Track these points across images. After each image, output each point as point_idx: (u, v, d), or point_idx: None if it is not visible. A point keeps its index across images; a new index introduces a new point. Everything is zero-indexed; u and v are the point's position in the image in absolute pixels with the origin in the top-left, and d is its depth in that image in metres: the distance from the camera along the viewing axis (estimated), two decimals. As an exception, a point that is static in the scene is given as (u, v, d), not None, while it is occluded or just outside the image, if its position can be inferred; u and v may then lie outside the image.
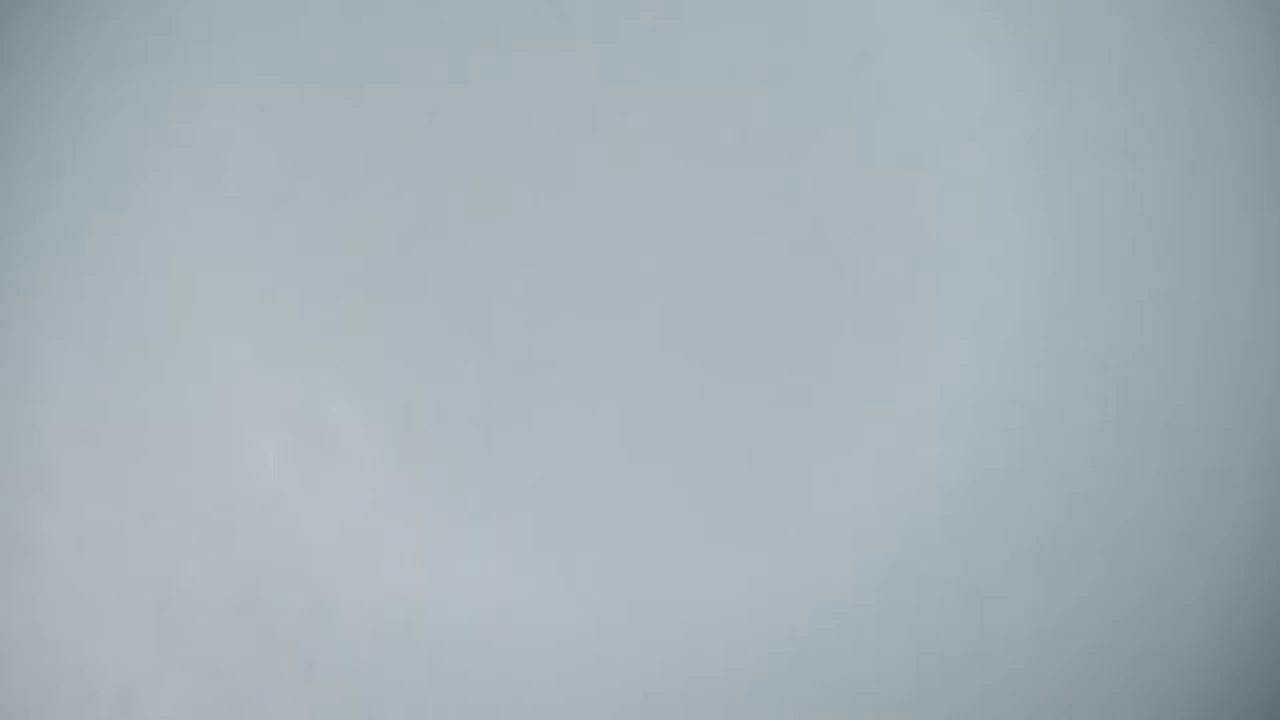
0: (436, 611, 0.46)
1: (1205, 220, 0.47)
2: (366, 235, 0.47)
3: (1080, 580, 0.46)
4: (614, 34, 0.48)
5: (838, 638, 0.46)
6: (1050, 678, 0.46)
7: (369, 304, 0.47)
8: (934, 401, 0.47)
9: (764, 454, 0.47)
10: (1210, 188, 0.47)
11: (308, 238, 0.47)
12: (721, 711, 0.46)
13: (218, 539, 0.46)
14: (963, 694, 0.46)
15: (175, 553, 0.46)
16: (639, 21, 0.48)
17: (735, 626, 0.46)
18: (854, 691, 0.46)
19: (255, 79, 0.47)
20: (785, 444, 0.47)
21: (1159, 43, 0.47)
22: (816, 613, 0.46)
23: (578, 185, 0.47)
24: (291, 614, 0.46)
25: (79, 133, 0.47)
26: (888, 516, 0.47)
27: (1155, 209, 0.47)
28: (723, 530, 0.47)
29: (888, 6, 0.48)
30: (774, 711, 0.46)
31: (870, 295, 0.47)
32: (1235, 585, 0.46)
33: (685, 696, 0.46)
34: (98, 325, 0.46)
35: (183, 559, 0.46)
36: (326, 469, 0.47)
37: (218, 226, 0.47)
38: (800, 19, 0.48)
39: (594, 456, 0.47)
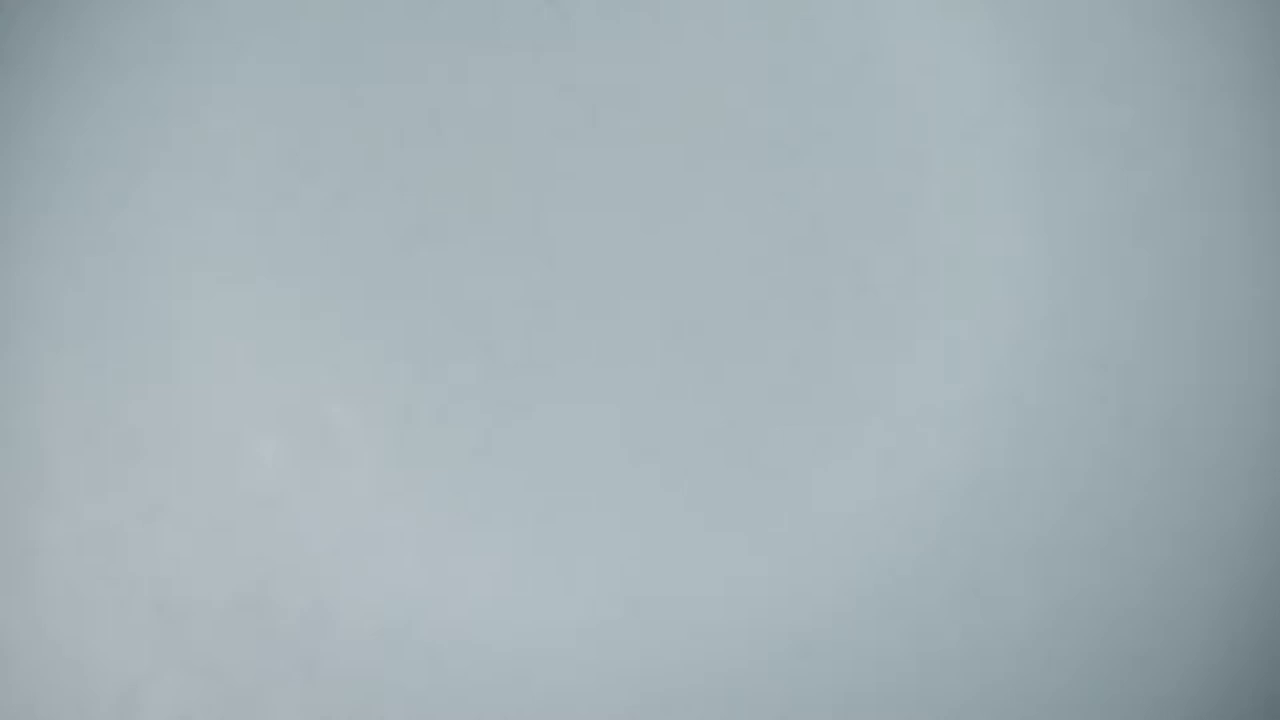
0: (436, 611, 0.46)
1: (1205, 220, 0.47)
2: (366, 235, 0.47)
3: (1080, 580, 0.46)
4: (614, 34, 0.48)
5: (838, 638, 0.46)
6: (1050, 678, 0.46)
7: (369, 304, 0.47)
8: (934, 401, 0.47)
9: (763, 454, 0.47)
10: (1210, 188, 0.47)
11: (308, 238, 0.47)
12: (721, 711, 0.46)
13: (218, 539, 0.46)
14: (963, 694, 0.46)
15: (175, 553, 0.46)
16: (639, 21, 0.48)
17: (735, 626, 0.46)
18: (854, 691, 0.46)
19: (255, 79, 0.47)
20: (785, 444, 0.47)
21: (1159, 43, 0.47)
22: (816, 613, 0.46)
23: (578, 185, 0.47)
24: (291, 614, 0.46)
25: (79, 133, 0.47)
26: (888, 516, 0.47)
27: (1155, 209, 0.47)
28: (722, 530, 0.47)
29: (888, 6, 0.48)
30: (774, 711, 0.46)
31: (870, 295, 0.47)
32: (1235, 585, 0.46)
33: (685, 696, 0.46)
34: (98, 325, 0.47)
35: (183, 559, 0.46)
36: (326, 469, 0.47)
37: (218, 226, 0.47)
38: (800, 18, 0.48)
39: (594, 456, 0.47)
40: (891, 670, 0.46)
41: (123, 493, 0.46)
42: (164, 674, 0.46)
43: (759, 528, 0.47)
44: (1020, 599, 0.46)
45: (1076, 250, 0.47)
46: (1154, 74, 0.47)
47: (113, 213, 0.47)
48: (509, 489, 0.47)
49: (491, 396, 0.47)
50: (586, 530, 0.47)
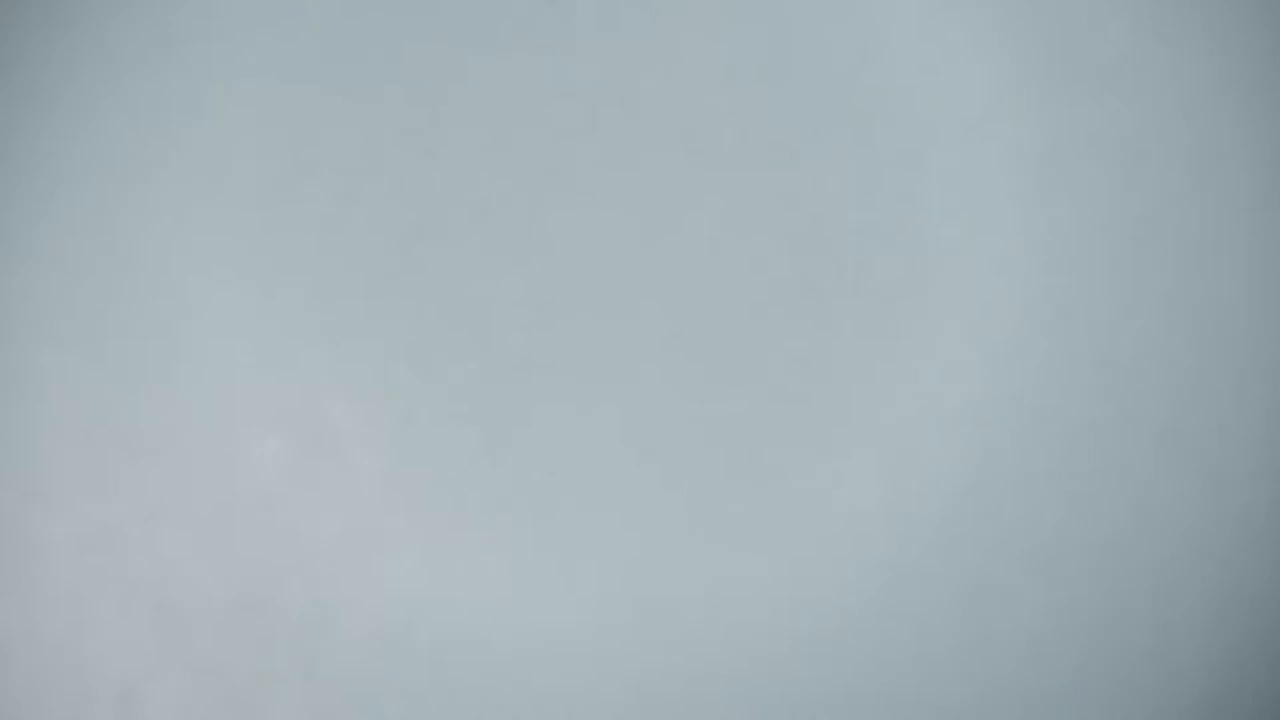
0: (436, 611, 0.46)
1: (1205, 220, 0.47)
2: (366, 235, 0.47)
3: (1080, 580, 0.46)
4: (614, 34, 0.48)
5: (838, 638, 0.46)
6: (1050, 678, 0.46)
7: (369, 304, 0.47)
8: (934, 401, 0.47)
9: (764, 454, 0.47)
10: (1210, 188, 0.47)
11: (308, 238, 0.47)
12: (721, 712, 0.46)
13: (218, 539, 0.46)
14: (963, 694, 0.46)
15: (175, 553, 0.46)
16: (639, 21, 0.48)
17: (735, 627, 0.46)
18: (854, 691, 0.46)
19: (255, 79, 0.47)
20: (785, 444, 0.47)
21: (1159, 43, 0.47)
22: (816, 613, 0.46)
23: (578, 185, 0.47)
24: (291, 614, 0.46)
25: (79, 133, 0.47)
26: (888, 516, 0.47)
27: (1155, 209, 0.47)
28: (723, 530, 0.47)
29: (888, 6, 0.48)
30: (774, 711, 0.46)
31: (870, 295, 0.47)
32: (1235, 585, 0.46)
33: (685, 697, 0.46)
34: (98, 325, 0.47)
35: (183, 559, 0.46)
36: (326, 469, 0.47)
37: (218, 226, 0.47)
38: (800, 19, 0.48)
39: (594, 457, 0.47)
40: (892, 670, 0.46)
41: (123, 493, 0.46)
42: (164, 674, 0.46)
43: (759, 528, 0.47)
44: (1020, 599, 0.46)
45: (1076, 250, 0.47)
46: (1154, 74, 0.47)
47: (113, 213, 0.47)
48: (509, 489, 0.47)
49: (491, 397, 0.47)
50: (587, 530, 0.47)
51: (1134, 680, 0.46)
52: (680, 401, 0.47)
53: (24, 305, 0.46)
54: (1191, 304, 0.47)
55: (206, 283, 0.47)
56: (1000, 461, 0.47)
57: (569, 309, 0.47)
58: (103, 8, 0.47)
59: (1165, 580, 0.46)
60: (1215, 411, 0.47)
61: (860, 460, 0.47)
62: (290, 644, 0.46)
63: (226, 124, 0.47)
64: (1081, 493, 0.47)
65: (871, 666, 0.46)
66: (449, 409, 0.47)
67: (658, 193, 0.47)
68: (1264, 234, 0.47)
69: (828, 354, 0.47)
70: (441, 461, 0.47)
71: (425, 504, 0.46)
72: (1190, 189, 0.47)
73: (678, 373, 0.47)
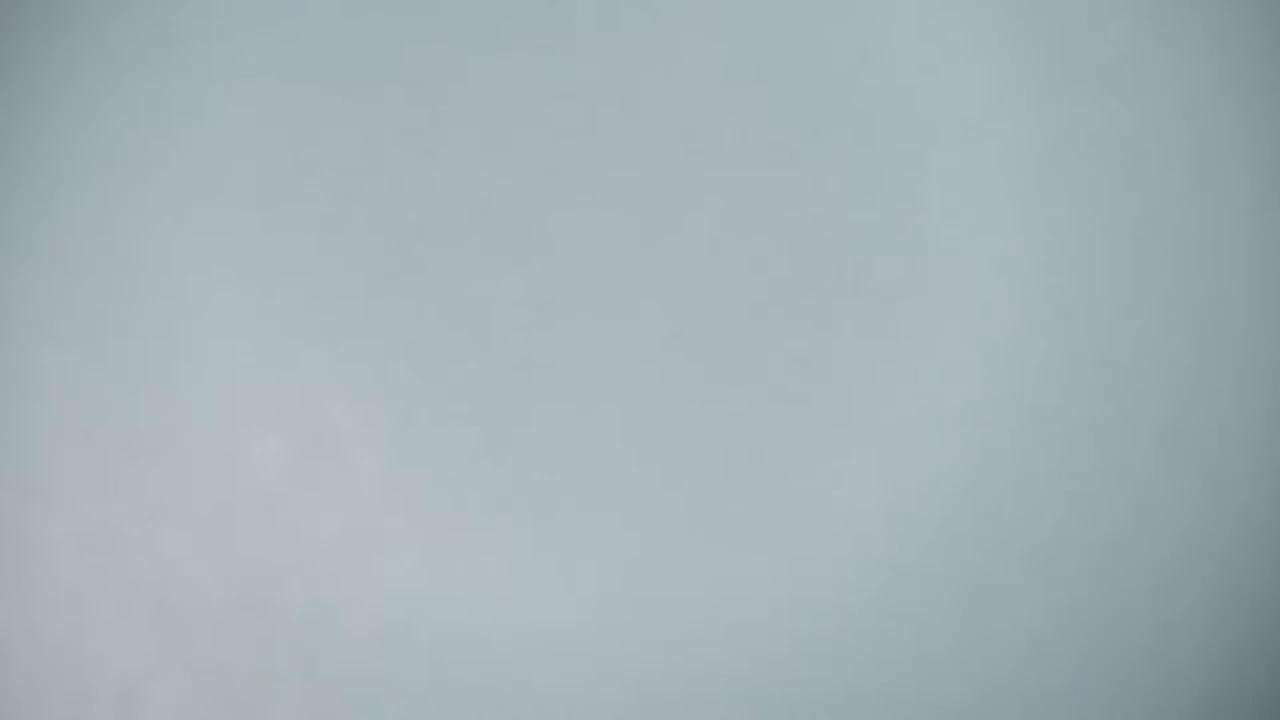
0: (436, 611, 0.46)
1: (1205, 220, 0.47)
2: (366, 235, 0.47)
3: (1080, 580, 0.46)
4: (614, 34, 0.48)
5: (838, 638, 0.46)
6: (1050, 678, 0.46)
7: (369, 304, 0.47)
8: (934, 401, 0.47)
9: (764, 454, 0.47)
10: (1210, 188, 0.47)
11: (308, 238, 0.47)
12: (721, 712, 0.46)
13: (218, 539, 0.46)
14: (963, 694, 0.46)
15: (175, 553, 0.46)
16: (639, 22, 0.48)
17: (736, 627, 0.46)
18: (854, 691, 0.46)
19: (255, 79, 0.47)
20: (785, 444, 0.47)
21: (1159, 43, 0.47)
22: (816, 613, 0.46)
23: (578, 185, 0.47)
24: (291, 614, 0.46)
25: (79, 133, 0.47)
26: (888, 516, 0.47)
27: (1155, 209, 0.47)
28: (723, 530, 0.47)
29: (888, 6, 0.48)
30: (774, 711, 0.46)
31: (870, 295, 0.47)
32: (1235, 585, 0.46)
33: (685, 697, 0.46)
34: (98, 325, 0.47)
35: (183, 559, 0.46)
36: (326, 469, 0.47)
37: (218, 226, 0.47)
38: (800, 19, 0.48)
39: (594, 457, 0.47)
40: (892, 670, 0.46)
41: (123, 493, 0.46)
42: (164, 674, 0.46)
43: (760, 528, 0.47)
44: (1020, 599, 0.46)
45: (1077, 250, 0.47)
46: (1154, 74, 0.47)
47: (113, 213, 0.47)
48: (509, 489, 0.47)
49: (491, 397, 0.47)
50: (587, 530, 0.47)
51: (1134, 680, 0.46)
52: (680, 401, 0.47)
53: (24, 305, 0.47)
54: (1191, 304, 0.47)
55: (206, 283, 0.47)
56: (1000, 461, 0.47)
57: (569, 309, 0.47)
58: (103, 8, 0.47)
59: (1165, 580, 0.46)
60: (1215, 411, 0.47)
61: (860, 460, 0.47)
62: (290, 644, 0.46)
63: (226, 124, 0.47)
64: (1081, 493, 0.47)
65: (871, 666, 0.46)
66: (449, 409, 0.47)
67: (658, 193, 0.47)
68: (1264, 234, 0.47)
69: (828, 354, 0.47)
70: (441, 461, 0.47)
71: (425, 504, 0.46)
72: (1190, 189, 0.47)
73: (678, 373, 0.47)
